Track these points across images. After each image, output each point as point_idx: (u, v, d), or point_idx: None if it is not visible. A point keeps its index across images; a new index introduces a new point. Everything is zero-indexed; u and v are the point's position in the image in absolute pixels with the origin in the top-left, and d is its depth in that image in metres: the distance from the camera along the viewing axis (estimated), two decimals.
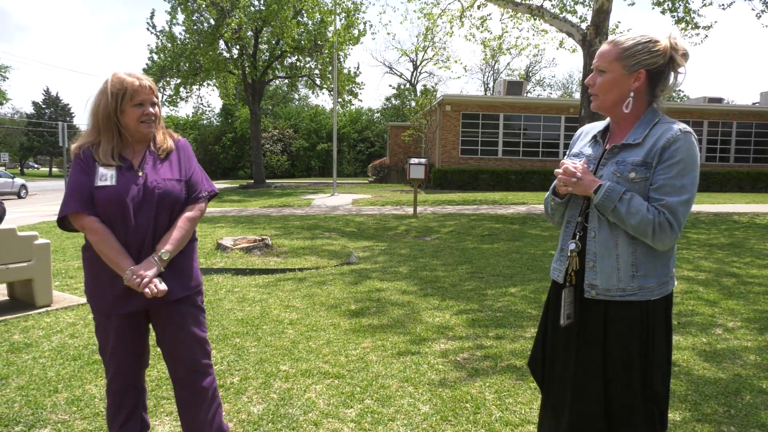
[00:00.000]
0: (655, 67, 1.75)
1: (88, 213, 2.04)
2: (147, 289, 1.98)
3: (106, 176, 2.06)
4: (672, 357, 1.88)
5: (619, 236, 1.76)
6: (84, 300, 5.23)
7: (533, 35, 26.49)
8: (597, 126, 1.97)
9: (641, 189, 1.73)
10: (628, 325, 1.76)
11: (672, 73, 1.79)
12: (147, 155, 2.17)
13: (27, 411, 2.96)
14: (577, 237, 1.86)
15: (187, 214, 2.18)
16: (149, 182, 2.11)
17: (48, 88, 60.19)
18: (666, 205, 1.67)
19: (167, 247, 2.07)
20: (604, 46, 1.82)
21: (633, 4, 13.54)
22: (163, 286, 2.02)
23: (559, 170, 1.83)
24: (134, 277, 1.99)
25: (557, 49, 15.89)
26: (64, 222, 2.12)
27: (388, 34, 35.43)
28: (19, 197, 24.15)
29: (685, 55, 1.77)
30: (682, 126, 1.73)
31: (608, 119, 1.94)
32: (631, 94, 1.78)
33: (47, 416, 2.91)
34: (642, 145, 1.75)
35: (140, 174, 2.11)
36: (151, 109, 2.12)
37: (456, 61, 32.93)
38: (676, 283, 1.85)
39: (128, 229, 2.07)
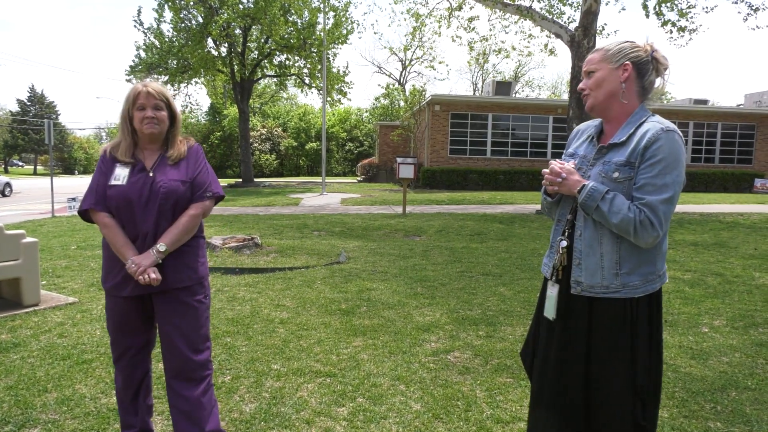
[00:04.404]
0: (639, 59, 1.83)
1: (101, 209, 2.28)
2: (141, 277, 2.18)
3: (119, 177, 2.29)
4: (662, 354, 1.92)
5: (603, 235, 1.80)
6: (72, 300, 5.19)
7: (520, 40, 26.51)
8: (592, 125, 2.00)
9: (625, 188, 1.76)
10: (611, 321, 1.80)
11: (655, 72, 1.86)
12: (160, 159, 2.37)
13: (16, 411, 2.94)
14: (567, 234, 1.90)
15: (189, 211, 2.33)
16: (156, 182, 2.29)
17: (33, 86, 59.43)
18: (647, 203, 1.70)
19: (164, 240, 2.25)
20: (590, 55, 1.91)
21: (623, 9, 13.68)
22: (155, 275, 2.20)
23: (547, 170, 1.89)
24: (132, 265, 2.20)
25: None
26: (84, 214, 2.35)
27: (375, 33, 35.54)
28: (3, 195, 23.55)
29: (665, 57, 1.85)
30: (666, 125, 1.76)
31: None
32: (623, 85, 1.83)
33: (37, 416, 2.89)
34: (626, 144, 1.79)
35: (151, 175, 2.31)
36: (149, 112, 2.29)
37: (441, 62, 33.01)
38: (667, 280, 1.88)
39: (135, 224, 2.27)
